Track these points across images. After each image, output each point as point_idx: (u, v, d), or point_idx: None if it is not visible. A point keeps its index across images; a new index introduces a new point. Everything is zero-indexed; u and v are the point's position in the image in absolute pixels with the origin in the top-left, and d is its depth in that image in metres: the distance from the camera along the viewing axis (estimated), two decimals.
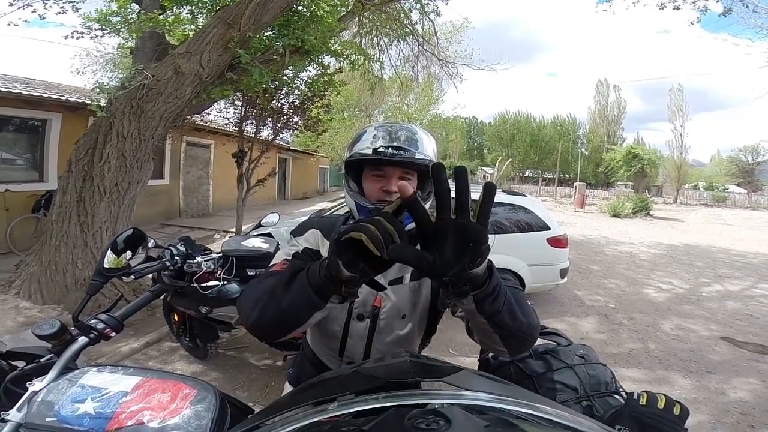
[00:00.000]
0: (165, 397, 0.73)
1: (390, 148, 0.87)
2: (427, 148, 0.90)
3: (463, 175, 0.48)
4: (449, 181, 0.51)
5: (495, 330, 0.64)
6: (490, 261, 0.57)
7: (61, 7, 4.12)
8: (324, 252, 0.94)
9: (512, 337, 0.65)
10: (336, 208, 4.78)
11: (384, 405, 0.45)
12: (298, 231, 0.98)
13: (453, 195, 0.50)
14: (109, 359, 2.71)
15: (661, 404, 0.74)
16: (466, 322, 0.78)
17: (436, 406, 0.44)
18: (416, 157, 0.87)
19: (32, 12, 4.08)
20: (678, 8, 5.53)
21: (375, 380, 0.54)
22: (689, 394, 2.84)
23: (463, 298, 0.57)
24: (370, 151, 0.88)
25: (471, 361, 0.66)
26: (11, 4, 4.03)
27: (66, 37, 3.98)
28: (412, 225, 0.92)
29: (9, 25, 4.31)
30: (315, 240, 0.96)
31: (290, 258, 0.89)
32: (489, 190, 0.50)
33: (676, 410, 0.74)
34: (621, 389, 0.92)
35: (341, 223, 1.00)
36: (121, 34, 4.23)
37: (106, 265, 1.12)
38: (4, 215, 5.53)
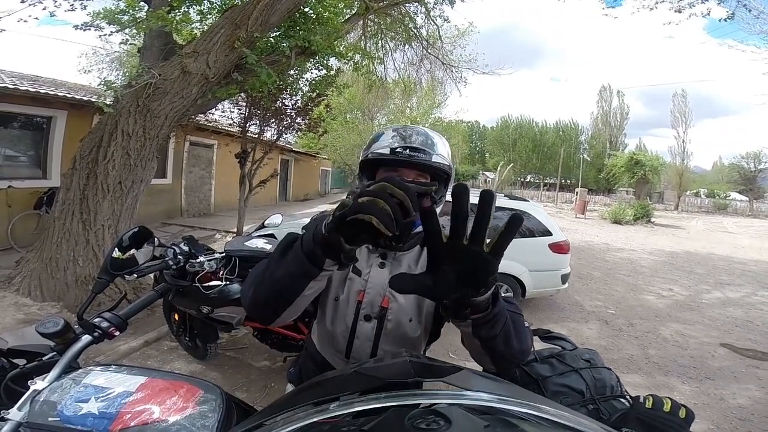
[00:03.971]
0: (170, 397, 0.72)
1: (407, 149, 0.88)
2: (443, 152, 0.91)
3: (488, 201, 0.46)
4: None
5: (486, 352, 0.65)
6: (496, 287, 0.57)
7: (71, 5, 4.13)
8: None
9: (502, 359, 0.68)
10: None
11: (385, 405, 0.45)
12: (311, 226, 1.00)
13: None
14: (107, 358, 2.71)
15: (667, 407, 0.75)
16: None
17: (436, 406, 0.44)
18: (432, 159, 0.88)
19: (43, 9, 4.09)
20: (680, 11, 5.51)
21: (375, 380, 0.55)
22: (689, 400, 2.83)
23: (461, 321, 0.59)
24: (387, 151, 0.89)
25: (472, 365, 0.67)
26: (23, 1, 4.04)
27: (76, 28, 3.98)
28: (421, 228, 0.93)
29: (19, 21, 4.31)
30: None
31: None
32: (513, 222, 0.47)
33: (682, 413, 0.74)
34: (626, 393, 0.92)
35: None
36: (128, 31, 4.23)
37: (112, 264, 1.13)
38: (6, 211, 5.54)
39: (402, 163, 0.89)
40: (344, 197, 0.59)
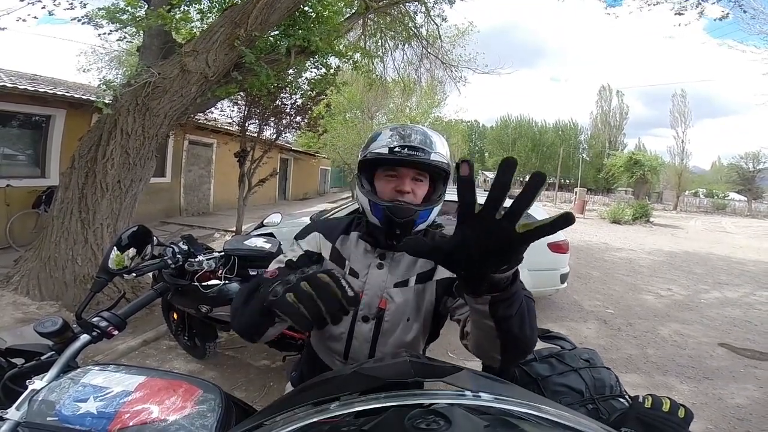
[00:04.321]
0: (169, 396, 0.72)
1: (405, 149, 0.87)
2: (442, 150, 0.90)
3: (538, 182, 0.44)
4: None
5: (499, 335, 0.62)
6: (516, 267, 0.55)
7: (70, 3, 4.11)
8: (325, 254, 0.97)
9: (513, 345, 0.64)
10: (337, 210, 4.78)
11: (385, 405, 0.45)
12: (301, 234, 1.01)
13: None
14: (106, 357, 2.71)
15: (666, 407, 0.75)
16: (462, 326, 0.77)
17: (436, 406, 0.44)
18: (431, 158, 0.87)
19: (42, 8, 4.07)
20: (680, 13, 5.53)
21: (375, 380, 0.55)
22: (687, 400, 2.83)
23: (479, 297, 0.57)
24: (386, 151, 0.88)
25: (471, 365, 0.66)
26: None
27: (72, 19, 3.96)
28: (422, 226, 0.91)
29: (18, 20, 4.29)
30: (316, 243, 0.99)
31: (283, 265, 0.94)
32: (563, 219, 0.44)
33: (681, 413, 0.74)
34: (625, 392, 0.92)
35: (343, 226, 1.02)
36: (127, 30, 4.22)
37: (110, 263, 1.12)
38: (5, 210, 5.53)
39: (400, 162, 0.89)
40: (290, 276, 0.60)
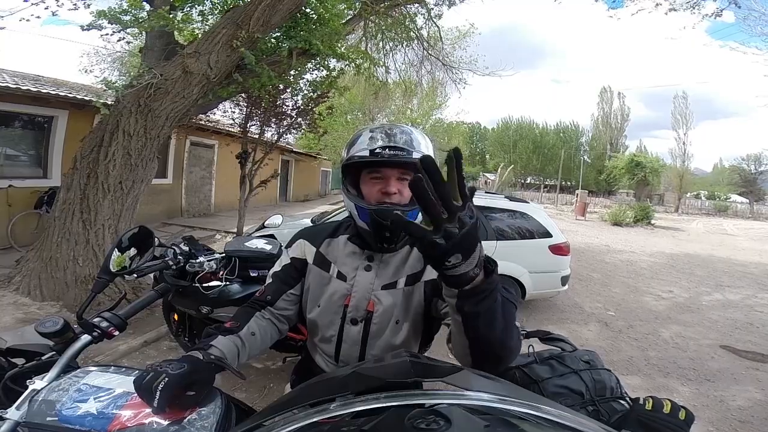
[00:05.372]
0: None
1: (387, 149, 0.86)
2: (424, 149, 0.89)
3: (455, 158, 0.48)
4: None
5: (466, 333, 0.61)
6: (490, 264, 0.56)
7: (74, 4, 4.12)
8: (309, 259, 0.99)
9: (479, 346, 0.62)
10: (337, 212, 4.78)
11: (384, 405, 0.45)
12: (289, 243, 1.04)
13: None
14: (107, 357, 2.71)
15: (666, 409, 0.75)
16: (449, 330, 0.78)
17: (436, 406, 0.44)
18: (414, 156, 0.86)
19: (45, 9, 4.08)
20: (674, 9, 5.52)
21: (375, 380, 0.54)
22: (688, 402, 2.82)
23: (451, 285, 0.57)
24: (367, 153, 0.87)
25: None
26: (25, 0, 4.03)
27: (83, 29, 3.96)
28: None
29: (21, 21, 4.30)
30: (301, 249, 1.01)
31: (271, 280, 1.00)
32: (454, 153, 0.49)
33: (682, 415, 0.74)
34: (626, 394, 0.92)
35: (330, 229, 1.03)
36: (130, 31, 4.22)
37: (111, 264, 1.12)
38: (7, 211, 5.54)
39: (383, 164, 0.88)
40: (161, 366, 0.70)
